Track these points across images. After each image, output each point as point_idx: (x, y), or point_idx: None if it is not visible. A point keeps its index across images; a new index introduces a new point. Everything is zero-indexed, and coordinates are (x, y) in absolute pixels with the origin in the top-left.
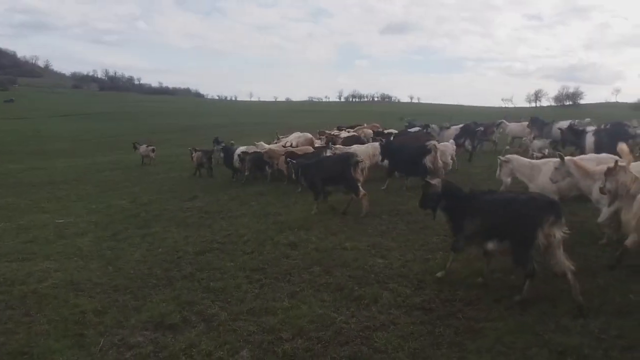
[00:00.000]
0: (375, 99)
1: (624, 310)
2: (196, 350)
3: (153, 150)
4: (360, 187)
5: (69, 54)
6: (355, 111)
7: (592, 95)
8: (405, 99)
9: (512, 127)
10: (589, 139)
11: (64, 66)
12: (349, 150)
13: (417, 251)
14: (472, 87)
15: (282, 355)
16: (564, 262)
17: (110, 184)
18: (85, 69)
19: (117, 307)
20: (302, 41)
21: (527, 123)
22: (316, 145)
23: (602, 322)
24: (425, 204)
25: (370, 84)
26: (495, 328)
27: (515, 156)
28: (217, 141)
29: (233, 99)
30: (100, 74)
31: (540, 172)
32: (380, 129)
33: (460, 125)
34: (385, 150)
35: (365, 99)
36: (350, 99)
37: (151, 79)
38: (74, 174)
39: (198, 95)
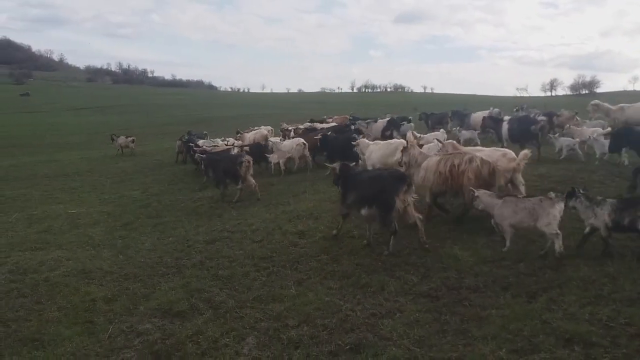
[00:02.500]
0: (389, 89)
1: (634, 298)
2: (203, 337)
3: (133, 141)
4: (241, 182)
5: (83, 47)
6: (367, 102)
7: (610, 84)
8: (418, 89)
9: (474, 116)
10: (504, 127)
11: (78, 60)
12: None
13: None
14: (486, 77)
15: (287, 341)
16: (414, 214)
17: (122, 175)
18: (99, 63)
19: (126, 294)
20: (315, 32)
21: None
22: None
23: (611, 309)
24: (334, 182)
25: (385, 74)
26: (502, 315)
27: (362, 139)
28: (189, 134)
29: (246, 90)
30: (114, 67)
31: (370, 151)
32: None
33: (387, 119)
34: (323, 143)
35: (378, 90)
36: (363, 90)
37: (164, 72)
38: (87, 165)
39: (211, 87)
